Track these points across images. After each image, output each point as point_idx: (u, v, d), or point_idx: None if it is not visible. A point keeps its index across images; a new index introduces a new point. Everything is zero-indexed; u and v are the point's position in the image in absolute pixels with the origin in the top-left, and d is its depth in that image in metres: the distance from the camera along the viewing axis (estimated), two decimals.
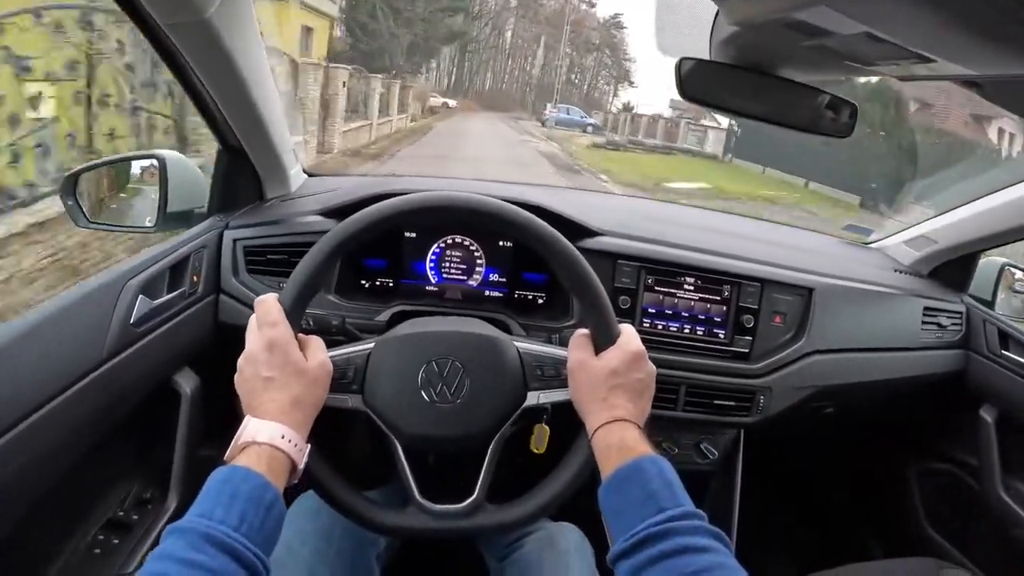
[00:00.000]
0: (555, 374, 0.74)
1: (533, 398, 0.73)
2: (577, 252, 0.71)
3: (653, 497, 0.58)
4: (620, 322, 0.71)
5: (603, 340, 0.70)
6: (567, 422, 0.75)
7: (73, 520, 0.86)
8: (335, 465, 0.71)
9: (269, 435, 0.58)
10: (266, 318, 0.64)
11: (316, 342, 0.68)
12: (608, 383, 0.67)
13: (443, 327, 0.76)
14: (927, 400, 1.32)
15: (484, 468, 0.73)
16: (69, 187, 1.04)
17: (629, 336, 0.71)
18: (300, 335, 0.67)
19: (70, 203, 1.04)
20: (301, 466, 0.61)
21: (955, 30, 0.47)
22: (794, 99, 0.87)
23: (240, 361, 0.64)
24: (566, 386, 0.73)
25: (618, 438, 0.64)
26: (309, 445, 0.63)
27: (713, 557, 0.53)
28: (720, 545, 0.54)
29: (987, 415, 1.28)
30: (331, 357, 0.69)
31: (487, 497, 0.73)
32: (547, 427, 0.80)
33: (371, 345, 0.74)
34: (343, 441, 0.69)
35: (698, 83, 0.85)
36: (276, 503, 0.55)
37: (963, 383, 1.29)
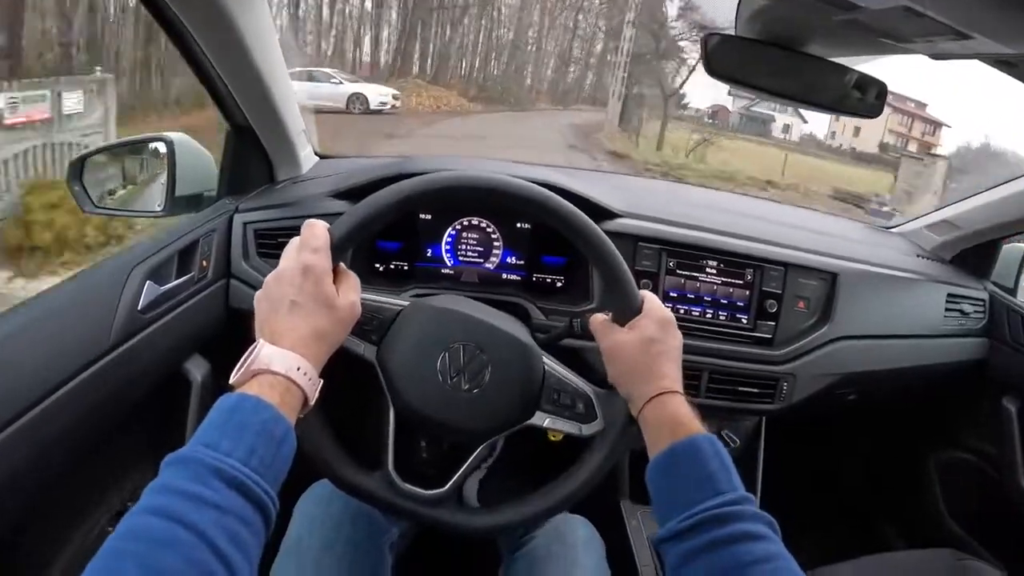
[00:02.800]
0: (570, 404, 0.71)
1: (540, 419, 0.70)
2: (597, 227, 0.69)
3: (711, 479, 0.55)
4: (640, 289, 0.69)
5: (628, 311, 0.68)
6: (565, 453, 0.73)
7: (83, 509, 0.84)
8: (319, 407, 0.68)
9: (285, 365, 0.53)
10: (310, 242, 0.60)
11: (352, 280, 0.63)
12: (650, 352, 0.65)
13: (480, 315, 0.73)
14: (949, 389, 1.30)
15: (464, 466, 0.71)
16: (76, 172, 1.02)
17: (654, 303, 0.69)
18: (339, 268, 0.63)
19: (76, 188, 1.02)
20: (312, 401, 0.57)
21: (999, 4, 0.46)
22: (821, 77, 0.85)
23: (268, 278, 0.59)
24: (578, 420, 0.71)
25: (671, 412, 0.62)
26: (322, 381, 0.58)
27: (770, 546, 0.51)
28: (774, 534, 0.52)
29: (1010, 405, 1.26)
30: (363, 300, 0.65)
31: (455, 494, 0.71)
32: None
33: (405, 304, 0.71)
34: (336, 388, 0.66)
35: (725, 59, 0.83)
36: (288, 438, 0.51)
37: (985, 372, 1.27)
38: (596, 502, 0.87)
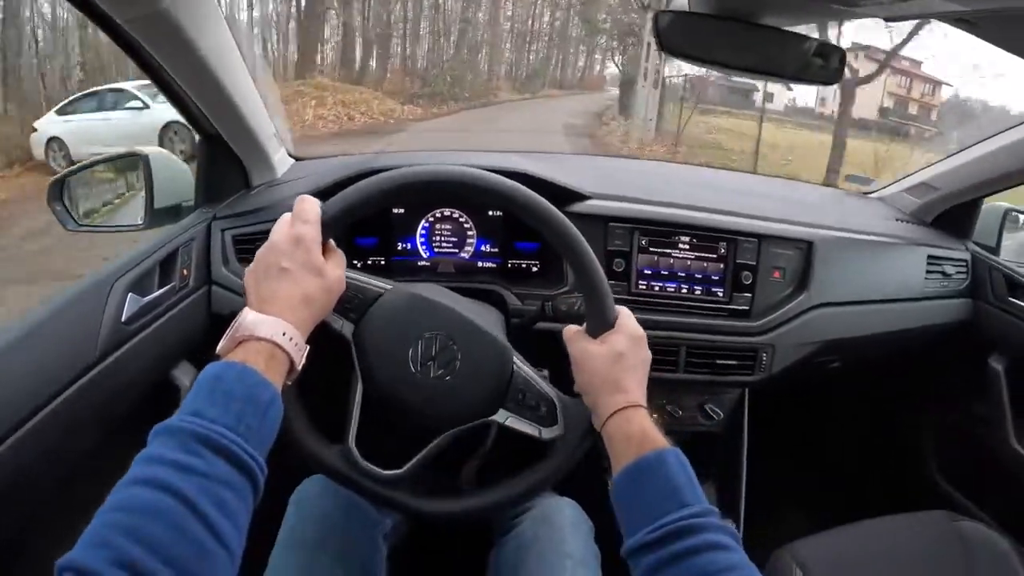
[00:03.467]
0: (534, 405, 0.72)
1: (502, 416, 0.71)
2: (578, 234, 0.69)
3: (677, 492, 0.56)
4: (617, 305, 0.70)
5: (602, 324, 0.68)
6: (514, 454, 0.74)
7: (78, 521, 0.86)
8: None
9: (270, 330, 0.54)
10: (302, 215, 0.62)
11: (340, 256, 0.66)
12: (619, 365, 0.66)
13: (461, 309, 0.74)
14: (935, 351, 1.30)
15: (422, 453, 0.72)
16: (56, 192, 1.04)
17: (628, 320, 0.70)
18: (327, 245, 0.65)
19: (58, 208, 1.04)
20: (299, 367, 0.58)
21: None
22: (781, 47, 0.84)
23: (260, 250, 0.61)
24: (538, 423, 0.71)
25: (639, 427, 0.62)
26: (308, 347, 0.59)
27: (734, 556, 0.52)
28: (737, 544, 0.54)
29: (997, 364, 1.26)
30: (348, 277, 0.67)
31: (410, 479, 0.72)
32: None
33: (388, 287, 0.73)
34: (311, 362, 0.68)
35: (679, 37, 0.82)
36: (274, 403, 0.52)
37: (971, 332, 1.27)
38: (584, 484, 0.88)
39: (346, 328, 0.71)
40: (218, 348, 0.54)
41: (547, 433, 0.71)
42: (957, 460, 1.38)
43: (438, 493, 0.75)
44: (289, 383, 0.57)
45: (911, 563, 0.94)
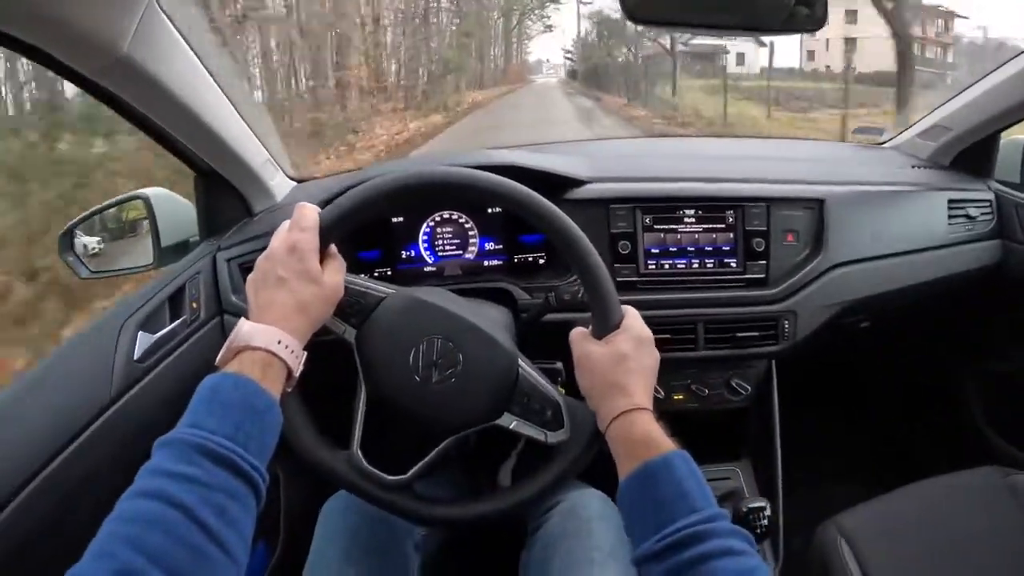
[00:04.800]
0: (539, 410, 0.71)
1: (507, 420, 0.70)
2: (578, 231, 0.68)
3: (686, 496, 0.54)
4: (623, 303, 0.69)
5: (606, 325, 0.67)
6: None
7: None
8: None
9: (265, 340, 0.55)
10: (299, 222, 0.63)
11: (338, 262, 0.67)
12: (622, 367, 0.65)
13: (458, 310, 0.74)
14: (968, 299, 1.24)
15: (428, 457, 0.71)
16: (66, 243, 1.07)
17: (634, 319, 0.68)
18: (327, 251, 0.66)
19: (70, 259, 1.07)
20: (297, 373, 0.59)
21: None
22: (762, 1, 0.82)
23: (259, 259, 0.62)
24: (544, 426, 0.70)
25: (643, 430, 0.61)
26: (305, 353, 0.60)
27: (749, 560, 0.51)
28: (751, 547, 0.52)
29: None
30: (348, 283, 0.68)
31: (415, 483, 0.72)
32: (562, 388, 0.77)
33: (390, 291, 0.73)
34: (313, 369, 0.68)
35: (647, 5, 0.79)
36: (271, 409, 0.53)
37: (1002, 275, 1.21)
38: (612, 474, 0.86)
39: (348, 333, 0.71)
40: (217, 360, 0.55)
41: (552, 437, 0.70)
42: (1003, 409, 1.31)
43: (450, 498, 0.74)
44: (288, 390, 0.58)
45: (963, 526, 0.89)
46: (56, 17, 0.63)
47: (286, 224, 0.64)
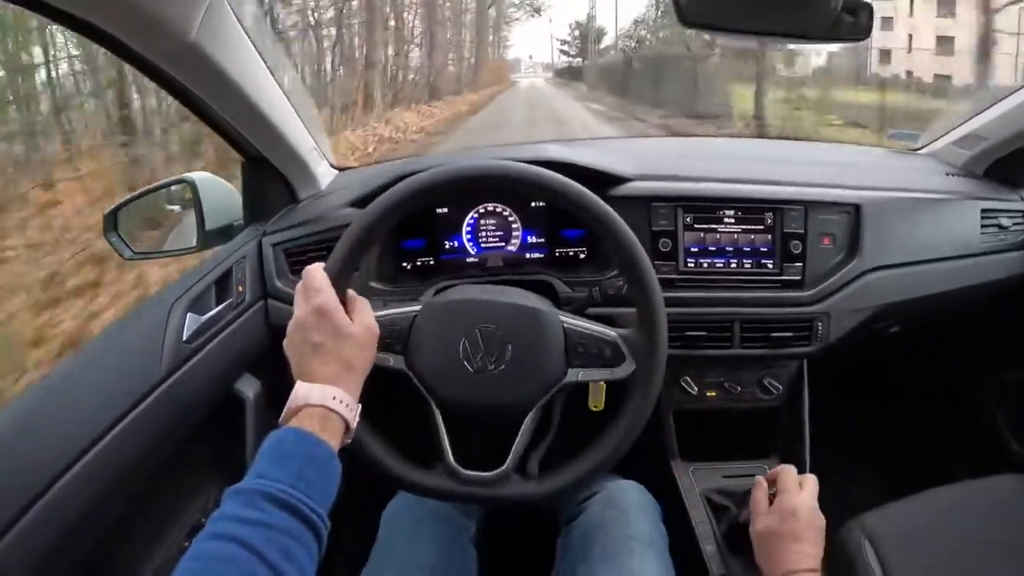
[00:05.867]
0: (597, 353, 0.73)
1: (573, 375, 0.73)
2: (644, 254, 0.73)
3: None
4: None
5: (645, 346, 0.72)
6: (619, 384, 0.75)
7: (160, 529, 0.90)
8: (381, 424, 0.73)
9: (320, 397, 0.59)
10: (312, 285, 0.66)
11: (362, 304, 0.69)
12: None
13: (489, 296, 0.76)
14: (996, 308, 1.25)
15: (517, 440, 0.73)
16: (110, 224, 1.08)
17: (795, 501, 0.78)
18: (348, 295, 0.68)
19: (114, 239, 1.09)
20: (354, 425, 0.62)
21: None
22: (808, 8, 0.83)
23: (289, 327, 0.66)
24: (609, 365, 0.73)
25: None
26: (360, 406, 0.63)
27: None
28: None
29: None
30: (377, 317, 0.70)
31: (517, 468, 0.74)
32: (603, 383, 0.79)
33: (417, 308, 0.75)
34: (388, 401, 0.71)
35: (699, 7, 0.81)
36: (331, 460, 0.57)
37: None
38: (648, 466, 0.88)
39: (397, 362, 0.74)
40: (280, 420, 0.60)
41: (620, 372, 0.73)
42: None
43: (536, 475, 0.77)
44: (348, 441, 0.62)
45: (984, 532, 0.91)
46: (131, 2, 0.65)
47: (300, 289, 0.67)
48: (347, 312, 0.66)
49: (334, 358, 0.62)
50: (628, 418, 0.73)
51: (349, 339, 0.64)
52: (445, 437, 0.74)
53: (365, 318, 0.67)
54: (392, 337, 0.73)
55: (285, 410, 0.60)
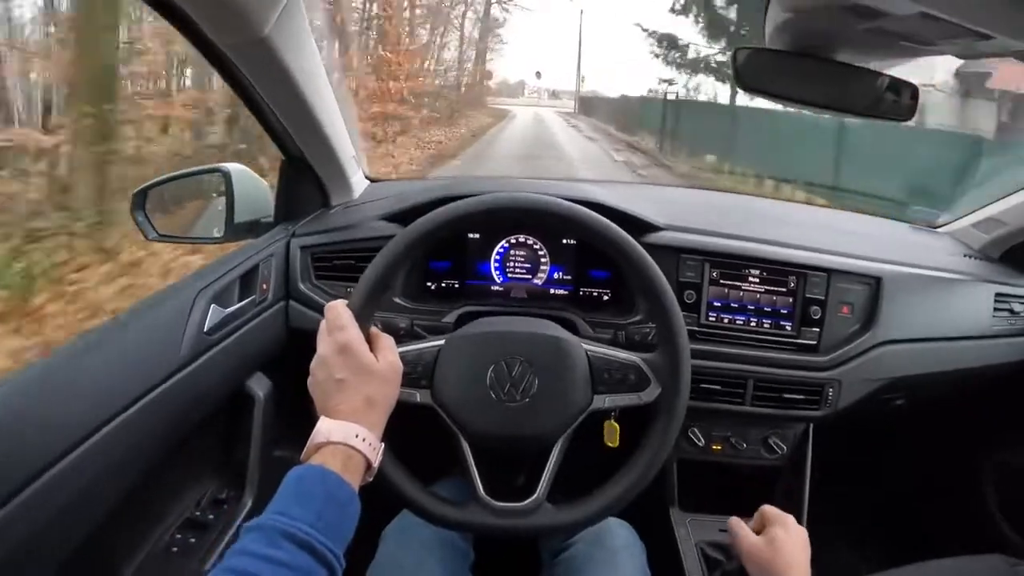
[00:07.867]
0: (622, 378, 0.73)
1: (600, 401, 0.73)
2: (677, 309, 0.74)
3: None
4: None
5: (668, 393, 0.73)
6: (632, 422, 0.76)
7: (152, 520, 0.90)
8: (401, 458, 0.73)
9: (343, 434, 0.59)
10: (336, 322, 0.65)
11: (386, 341, 0.69)
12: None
13: (512, 327, 0.77)
14: (1001, 391, 1.27)
15: (547, 468, 0.74)
16: (139, 202, 1.08)
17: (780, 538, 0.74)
18: (372, 332, 0.68)
19: (140, 218, 1.08)
20: (376, 464, 0.62)
21: (1011, 3, 0.45)
22: (854, 83, 0.85)
23: (312, 365, 0.65)
24: (635, 390, 0.73)
25: None
26: (383, 444, 0.64)
27: None
28: None
29: None
30: (401, 353, 0.70)
31: (548, 497, 0.74)
32: (616, 424, 0.80)
33: (441, 342, 0.76)
34: (410, 434, 0.71)
35: (755, 72, 0.84)
36: (352, 501, 0.57)
37: None
38: (640, 508, 0.88)
39: (423, 396, 0.74)
40: (302, 456, 0.60)
41: (646, 396, 0.73)
42: (1018, 502, 1.33)
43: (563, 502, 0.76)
44: (369, 479, 0.62)
45: None
46: None
47: (323, 326, 0.67)
48: (371, 349, 0.66)
49: (357, 394, 0.62)
50: (655, 441, 0.73)
51: (373, 376, 0.64)
52: (475, 471, 0.74)
53: (389, 355, 0.67)
54: (417, 372, 0.73)
55: (308, 445, 0.60)
